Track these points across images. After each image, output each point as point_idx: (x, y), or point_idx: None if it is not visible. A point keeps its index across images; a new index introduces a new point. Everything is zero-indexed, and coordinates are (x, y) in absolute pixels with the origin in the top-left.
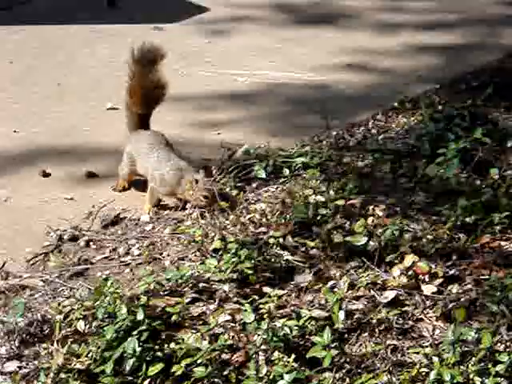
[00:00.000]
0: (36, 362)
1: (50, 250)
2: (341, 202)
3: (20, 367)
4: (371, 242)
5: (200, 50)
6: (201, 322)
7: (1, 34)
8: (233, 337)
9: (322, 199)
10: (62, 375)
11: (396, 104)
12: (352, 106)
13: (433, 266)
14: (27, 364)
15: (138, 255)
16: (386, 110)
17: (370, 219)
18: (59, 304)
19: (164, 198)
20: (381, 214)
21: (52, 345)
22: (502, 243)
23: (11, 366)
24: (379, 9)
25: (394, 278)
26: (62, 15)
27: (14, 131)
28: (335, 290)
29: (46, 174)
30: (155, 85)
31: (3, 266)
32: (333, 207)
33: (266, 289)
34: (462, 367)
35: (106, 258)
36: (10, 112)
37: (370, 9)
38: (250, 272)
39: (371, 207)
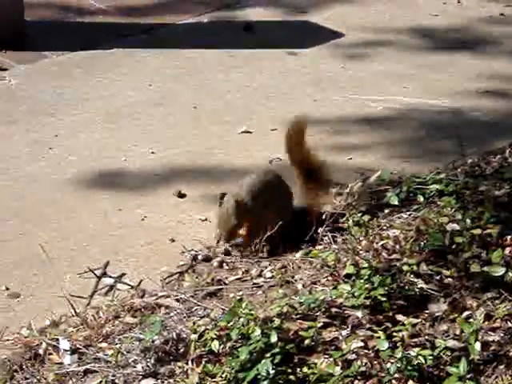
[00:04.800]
0: (171, 381)
1: (185, 270)
2: (477, 232)
3: None
4: (510, 273)
5: (334, 75)
6: (333, 348)
7: (141, 58)
8: (366, 364)
9: (458, 228)
10: None
11: None
12: (488, 133)
13: None
14: (162, 382)
15: (271, 277)
16: None
17: (507, 250)
18: (194, 323)
19: None
20: None
21: (187, 364)
22: None
23: (147, 383)
24: None
25: None
26: (199, 39)
27: (152, 152)
28: (471, 320)
29: (181, 195)
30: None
31: (139, 284)
32: (469, 236)
33: (400, 316)
34: None
35: (238, 279)
36: (148, 133)
37: (510, 36)
38: (383, 299)
39: (509, 237)
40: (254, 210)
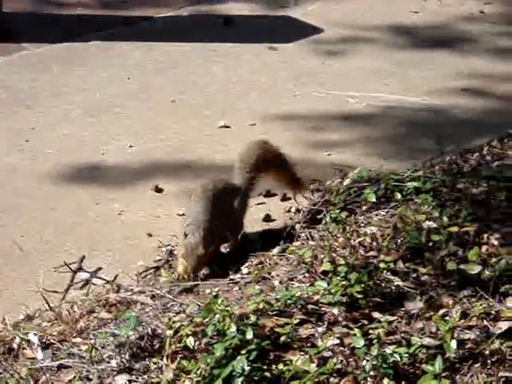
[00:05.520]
0: (146, 377)
1: (161, 265)
2: (454, 229)
3: (130, 381)
4: (486, 271)
5: (313, 71)
6: (309, 344)
7: (121, 51)
8: (341, 361)
9: (435, 225)
10: None
11: None
12: (466, 131)
13: None
14: (137, 378)
15: (247, 274)
16: (502, 136)
17: (484, 248)
18: (169, 319)
19: None
20: (495, 242)
21: (162, 360)
22: None
23: (121, 379)
24: (498, 34)
25: (508, 308)
26: (180, 33)
27: (130, 146)
28: (447, 318)
29: (158, 190)
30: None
31: (115, 278)
32: (446, 234)
33: (376, 314)
34: None
35: (215, 275)
36: (127, 127)
37: (489, 33)
38: (359, 296)
39: (486, 235)
40: (218, 232)
